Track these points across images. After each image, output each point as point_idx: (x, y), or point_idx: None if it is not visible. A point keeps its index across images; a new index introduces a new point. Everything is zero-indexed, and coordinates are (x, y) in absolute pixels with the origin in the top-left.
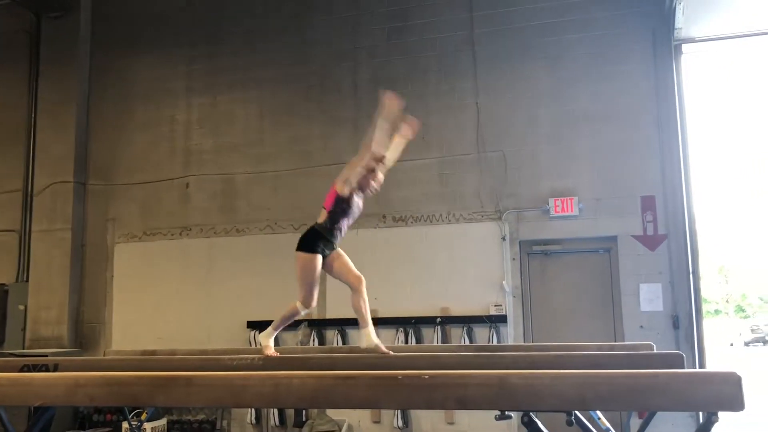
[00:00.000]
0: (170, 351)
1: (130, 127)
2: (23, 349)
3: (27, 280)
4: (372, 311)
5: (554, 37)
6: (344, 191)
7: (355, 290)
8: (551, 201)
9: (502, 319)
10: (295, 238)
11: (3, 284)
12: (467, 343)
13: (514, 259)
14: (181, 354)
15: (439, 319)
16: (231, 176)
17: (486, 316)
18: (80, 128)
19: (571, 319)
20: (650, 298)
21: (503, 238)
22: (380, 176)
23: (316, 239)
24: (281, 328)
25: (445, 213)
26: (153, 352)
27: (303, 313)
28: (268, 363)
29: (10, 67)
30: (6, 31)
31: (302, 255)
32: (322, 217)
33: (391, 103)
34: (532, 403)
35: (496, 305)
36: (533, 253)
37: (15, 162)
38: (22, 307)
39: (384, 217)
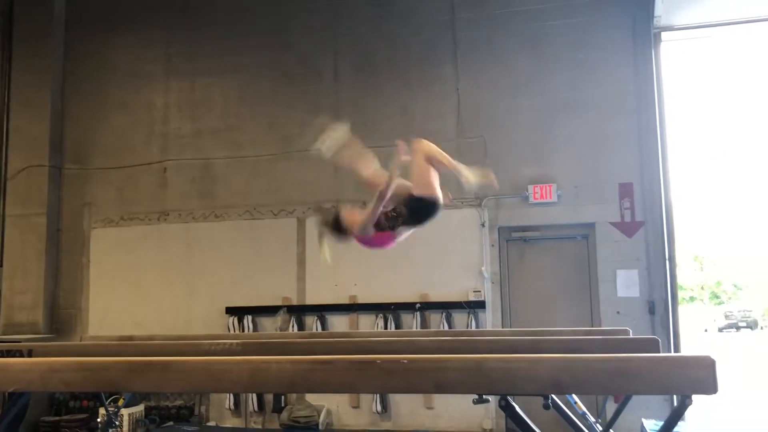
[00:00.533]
0: (148, 337)
1: (106, 110)
2: None
3: (1, 266)
4: (351, 297)
5: (535, 23)
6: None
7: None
8: (530, 188)
9: (481, 305)
10: (275, 223)
11: None
12: (446, 328)
13: (493, 245)
14: (159, 340)
15: (418, 305)
16: (210, 161)
17: (465, 302)
18: (55, 111)
19: (548, 305)
20: (627, 284)
21: (482, 225)
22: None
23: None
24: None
25: None
26: (130, 338)
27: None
28: (247, 349)
29: None
30: None
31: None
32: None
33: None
34: (509, 387)
35: (474, 291)
36: (512, 240)
37: None
38: None
39: (364, 203)
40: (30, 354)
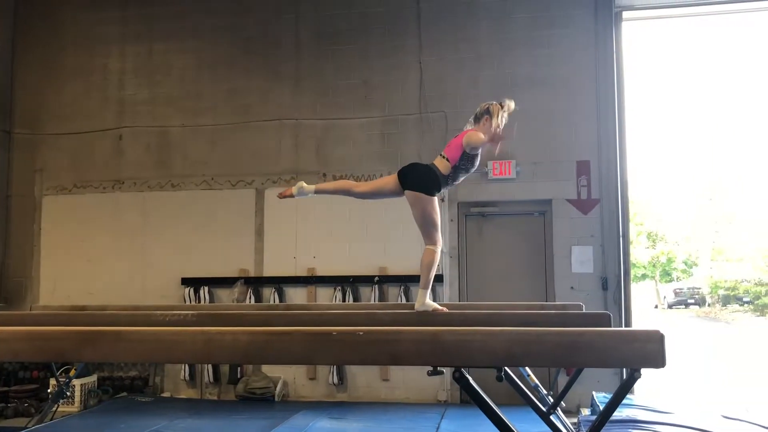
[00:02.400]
0: (101, 307)
1: (59, 73)
2: None
3: None
4: (309, 270)
5: None
6: (474, 151)
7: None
8: (490, 163)
9: (439, 278)
10: (233, 194)
11: None
12: (404, 302)
13: (452, 220)
14: (112, 310)
15: (376, 278)
16: (166, 129)
17: None
18: (4, 73)
19: (505, 280)
20: (582, 260)
21: (442, 200)
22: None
23: (435, 184)
24: (432, 280)
25: (385, 172)
26: (83, 308)
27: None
28: (202, 320)
29: None
30: None
31: (424, 197)
32: (443, 166)
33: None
34: (463, 360)
35: None
36: (471, 215)
37: None
38: None
39: (324, 175)
40: None
